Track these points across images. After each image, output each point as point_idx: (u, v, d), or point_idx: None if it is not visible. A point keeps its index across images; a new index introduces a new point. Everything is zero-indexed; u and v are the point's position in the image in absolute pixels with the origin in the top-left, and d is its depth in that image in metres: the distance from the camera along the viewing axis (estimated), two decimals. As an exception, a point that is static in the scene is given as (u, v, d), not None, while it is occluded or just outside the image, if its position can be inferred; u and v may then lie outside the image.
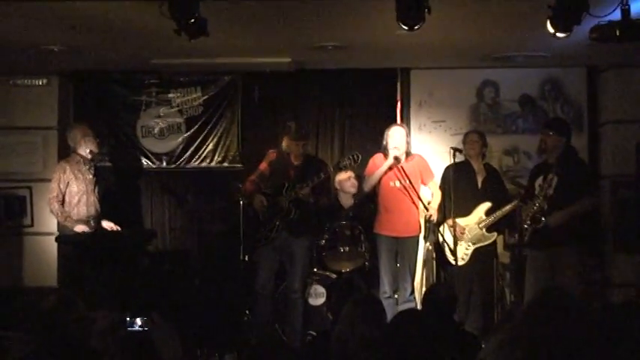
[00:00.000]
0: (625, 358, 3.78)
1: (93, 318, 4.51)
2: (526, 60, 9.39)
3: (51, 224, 9.48)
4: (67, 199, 8.64)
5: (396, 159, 8.55)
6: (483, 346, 5.42)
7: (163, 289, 8.79)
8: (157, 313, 4.54)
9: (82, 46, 8.65)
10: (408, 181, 8.54)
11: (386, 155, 8.66)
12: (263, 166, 8.64)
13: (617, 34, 6.17)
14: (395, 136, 8.66)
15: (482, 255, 8.80)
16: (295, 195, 8.28)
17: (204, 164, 10.36)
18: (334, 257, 9.01)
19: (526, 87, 10.07)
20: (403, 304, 8.58)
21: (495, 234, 8.81)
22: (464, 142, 8.96)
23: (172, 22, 6.23)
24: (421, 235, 9.09)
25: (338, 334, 4.75)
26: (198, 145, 10.36)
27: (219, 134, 10.33)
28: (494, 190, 8.85)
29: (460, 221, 8.61)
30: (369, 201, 9.16)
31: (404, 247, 8.70)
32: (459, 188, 8.61)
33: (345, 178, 9.42)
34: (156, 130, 10.38)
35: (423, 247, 9.36)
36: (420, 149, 9.40)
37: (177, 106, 10.36)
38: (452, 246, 8.52)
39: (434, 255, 9.41)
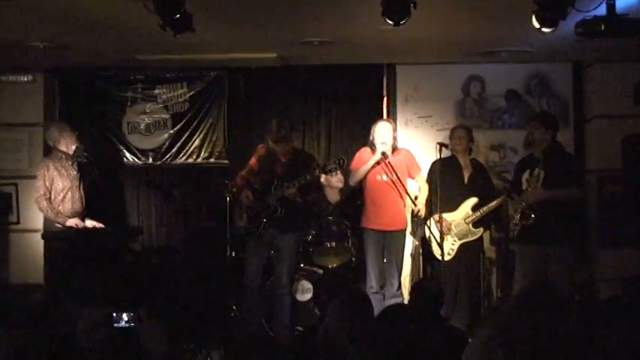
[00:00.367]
0: (611, 351, 3.79)
1: (79, 314, 4.50)
2: (512, 55, 9.41)
3: (37, 221, 9.47)
4: (52, 195, 8.62)
5: (383, 154, 8.56)
6: (470, 340, 5.43)
7: (150, 285, 8.77)
8: (143, 309, 4.53)
9: (68, 43, 8.63)
10: (395, 175, 8.55)
11: (373, 150, 8.67)
12: (252, 161, 8.61)
13: (603, 28, 6.19)
14: (382, 131, 8.67)
15: (469, 250, 8.82)
16: (282, 194, 8.27)
17: (190, 160, 10.36)
18: (321, 253, 9.03)
19: (512, 82, 10.09)
20: (390, 299, 8.59)
21: (482, 229, 8.83)
22: (450, 137, 8.97)
23: (158, 17, 6.21)
24: (408, 230, 9.11)
25: (325, 329, 4.75)
26: (184, 141, 10.35)
27: (205, 130, 10.32)
28: (481, 185, 8.87)
29: (447, 216, 8.64)
30: (356, 196, 9.17)
31: (391, 241, 8.72)
32: (446, 183, 8.63)
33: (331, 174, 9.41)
34: (142, 127, 10.36)
35: (410, 241, 9.39)
36: (407, 144, 9.39)
37: (163, 102, 10.34)
38: (439, 241, 8.54)
39: (421, 250, 9.43)
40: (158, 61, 9.67)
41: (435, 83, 10.12)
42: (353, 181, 8.87)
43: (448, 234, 8.66)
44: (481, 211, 8.67)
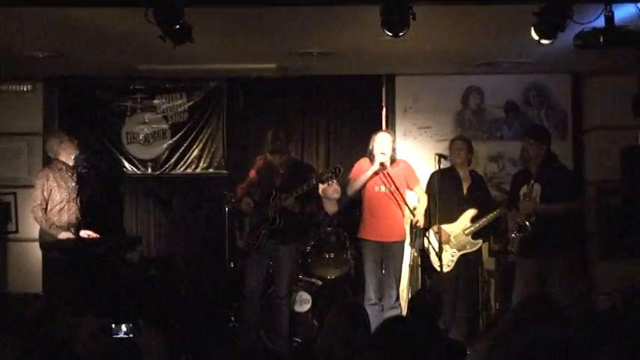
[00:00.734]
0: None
1: (78, 324, 4.49)
2: (511, 66, 9.42)
3: (35, 230, 9.43)
4: (49, 206, 8.64)
5: (382, 165, 8.56)
6: (469, 353, 5.43)
7: (149, 295, 8.76)
8: (142, 319, 4.52)
9: (68, 52, 8.64)
10: (393, 186, 8.55)
11: (371, 160, 8.67)
12: (252, 173, 8.61)
13: (601, 40, 6.21)
14: (381, 142, 8.67)
15: (468, 262, 8.82)
16: (280, 204, 8.27)
17: (189, 170, 10.36)
18: (320, 264, 9.03)
19: (511, 93, 10.10)
20: (388, 311, 8.58)
21: (481, 241, 8.83)
22: (450, 148, 8.97)
23: (158, 28, 6.22)
24: (407, 241, 9.11)
25: (323, 340, 4.74)
26: (183, 151, 10.35)
27: (204, 140, 10.33)
28: (480, 197, 8.86)
29: (446, 228, 8.64)
30: (354, 207, 9.16)
31: (389, 252, 8.70)
32: (445, 195, 8.63)
33: (327, 185, 9.40)
34: (141, 137, 10.36)
35: (408, 252, 9.38)
36: (406, 155, 9.39)
37: (163, 112, 10.35)
38: (438, 252, 8.53)
39: (419, 261, 9.42)
40: (158, 72, 9.70)
41: (434, 94, 10.12)
42: (351, 191, 8.84)
43: (447, 245, 8.66)
44: (480, 222, 8.67)
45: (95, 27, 7.49)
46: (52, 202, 8.64)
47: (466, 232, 8.70)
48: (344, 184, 8.92)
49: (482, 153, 9.92)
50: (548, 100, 10.05)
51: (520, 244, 8.07)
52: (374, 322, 4.92)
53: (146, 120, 10.36)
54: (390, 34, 6.22)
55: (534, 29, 6.31)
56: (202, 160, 10.35)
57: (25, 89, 10.08)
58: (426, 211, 8.78)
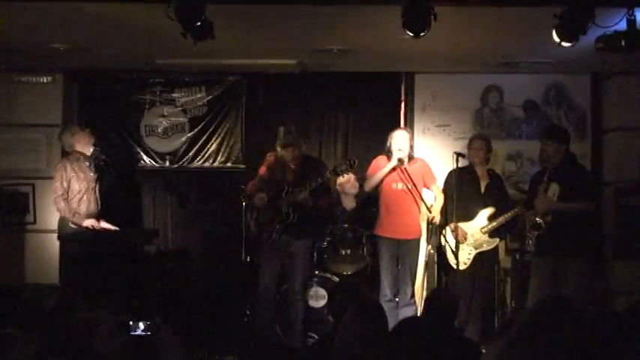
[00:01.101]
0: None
1: (96, 320, 4.52)
2: (530, 66, 9.40)
3: (53, 222, 9.47)
4: (69, 196, 8.67)
5: (400, 161, 8.59)
6: (483, 352, 5.44)
7: (165, 289, 8.80)
8: (160, 317, 4.55)
9: (88, 45, 8.67)
10: (411, 183, 8.56)
11: (389, 157, 8.69)
12: (262, 170, 8.66)
13: (623, 44, 6.21)
14: (399, 139, 8.70)
15: (484, 260, 8.79)
16: (294, 199, 8.30)
17: (207, 164, 10.38)
18: (336, 260, 9.03)
19: (530, 92, 10.07)
20: (403, 308, 8.62)
21: (497, 239, 8.81)
22: (468, 147, 8.94)
23: (179, 24, 6.24)
24: (423, 238, 9.12)
25: (340, 337, 4.76)
26: (201, 144, 10.38)
27: (222, 134, 10.35)
28: (497, 195, 8.84)
29: (463, 226, 8.63)
30: (372, 203, 9.17)
31: (405, 249, 8.72)
32: (463, 193, 8.63)
33: (345, 180, 9.42)
34: (159, 130, 10.39)
35: (424, 249, 9.39)
36: (424, 153, 9.41)
37: (182, 106, 10.38)
38: (454, 250, 8.53)
39: (435, 258, 9.42)
40: (177, 66, 9.72)
41: (453, 92, 10.11)
42: (368, 187, 8.88)
43: (464, 243, 8.65)
44: (497, 221, 8.65)
45: (116, 21, 7.52)
46: (71, 193, 8.68)
47: (483, 230, 8.69)
48: (361, 180, 8.96)
49: (501, 152, 9.90)
50: (567, 100, 10.02)
51: (536, 242, 8.07)
52: (389, 319, 4.95)
53: (165, 113, 10.39)
54: (411, 35, 6.21)
55: (556, 32, 6.29)
56: (220, 154, 10.37)
57: (44, 81, 10.11)
58: (442, 208, 8.77)
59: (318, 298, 8.85)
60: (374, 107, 10.32)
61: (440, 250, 9.13)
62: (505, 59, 9.12)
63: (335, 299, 6.29)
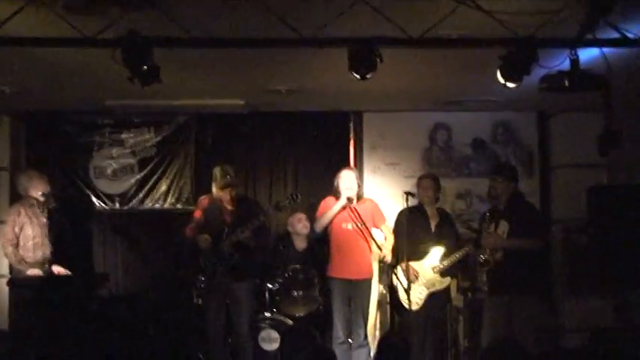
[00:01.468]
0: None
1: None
2: (477, 104, 9.48)
3: (2, 267, 9.36)
4: (21, 242, 8.58)
5: (349, 199, 8.60)
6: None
7: (116, 334, 8.69)
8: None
9: (34, 88, 8.61)
10: (360, 223, 8.55)
11: (337, 198, 8.69)
12: (197, 213, 8.62)
13: (567, 84, 6.24)
14: (346, 179, 8.72)
15: (437, 299, 8.79)
16: (236, 239, 8.26)
17: (157, 206, 10.33)
18: (288, 301, 8.97)
19: (478, 130, 10.18)
20: (357, 350, 8.61)
21: (449, 278, 8.82)
22: (417, 186, 8.95)
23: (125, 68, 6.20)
24: (374, 279, 9.10)
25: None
26: (151, 186, 10.33)
27: (172, 175, 10.31)
28: (448, 234, 8.87)
29: (414, 265, 8.62)
30: (322, 243, 9.15)
31: (357, 290, 8.70)
32: (413, 232, 8.63)
33: (296, 220, 9.42)
34: (109, 171, 10.33)
35: (376, 289, 9.37)
36: (375, 192, 9.44)
37: (130, 147, 10.32)
38: (406, 289, 8.52)
39: (387, 298, 9.41)
40: (126, 107, 9.66)
41: (401, 131, 10.18)
42: (319, 227, 8.86)
43: (416, 283, 8.65)
44: (449, 260, 8.66)
45: (62, 65, 7.47)
46: (25, 238, 8.58)
47: (435, 269, 8.69)
48: (312, 221, 8.96)
49: (451, 190, 9.97)
50: (515, 137, 10.14)
51: (488, 281, 8.09)
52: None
53: (114, 155, 10.33)
54: (358, 77, 6.23)
55: (500, 72, 6.31)
56: (170, 195, 10.32)
57: (-10, 124, 10.01)
58: (393, 248, 8.78)
59: (271, 341, 8.75)
60: (323, 146, 10.35)
61: (392, 290, 9.10)
62: (452, 98, 9.18)
63: (287, 345, 6.27)
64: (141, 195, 10.33)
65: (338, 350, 8.28)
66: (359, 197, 8.77)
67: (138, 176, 10.32)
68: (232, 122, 10.16)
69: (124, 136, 10.34)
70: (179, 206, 10.29)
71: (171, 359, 8.69)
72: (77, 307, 8.37)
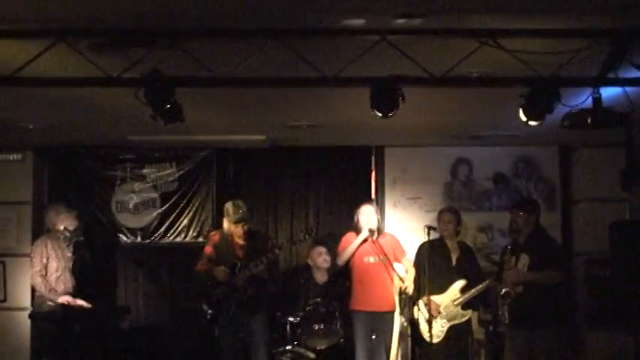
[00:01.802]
0: None
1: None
2: (499, 139, 9.49)
3: (24, 299, 9.43)
4: (47, 273, 8.64)
5: (371, 231, 8.60)
6: None
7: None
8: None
9: (58, 124, 8.70)
10: (383, 255, 8.56)
11: (358, 233, 8.69)
12: (208, 249, 8.52)
13: (589, 121, 6.24)
14: (366, 213, 8.73)
15: (458, 332, 8.77)
16: (250, 273, 8.24)
17: (178, 239, 10.38)
18: (309, 335, 8.95)
19: (499, 165, 10.20)
20: (378, 382, 8.59)
21: (470, 311, 8.81)
22: (438, 220, 8.96)
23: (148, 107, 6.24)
24: (396, 312, 9.09)
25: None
26: (172, 220, 10.39)
27: (193, 210, 10.37)
28: (469, 267, 8.86)
29: (435, 298, 8.61)
30: (343, 277, 9.15)
31: (379, 323, 8.69)
32: (434, 266, 8.62)
33: (317, 254, 9.44)
34: (130, 206, 10.41)
35: (397, 321, 9.35)
36: (396, 226, 9.45)
37: (152, 182, 10.41)
38: (427, 323, 8.51)
39: (409, 331, 9.39)
40: (148, 142, 9.75)
41: (423, 165, 10.21)
42: (340, 261, 8.86)
43: (437, 316, 8.63)
44: (469, 293, 8.65)
45: (86, 102, 7.55)
46: (49, 270, 8.68)
47: (456, 302, 8.68)
48: (333, 255, 8.97)
49: (472, 224, 9.98)
50: (536, 172, 10.14)
51: (510, 315, 8.06)
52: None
53: (136, 189, 10.42)
54: (380, 115, 6.24)
55: (522, 111, 6.31)
56: (192, 228, 10.38)
57: (14, 158, 10.09)
58: (414, 281, 8.77)
59: (294, 375, 8.76)
60: (344, 180, 10.40)
61: (413, 323, 9.09)
62: (473, 133, 9.20)
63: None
64: (162, 229, 10.40)
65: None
66: (379, 231, 8.77)
67: (160, 210, 10.39)
68: (253, 157, 10.18)
69: (145, 170, 10.43)
70: (201, 240, 10.29)
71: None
72: (98, 339, 8.43)
